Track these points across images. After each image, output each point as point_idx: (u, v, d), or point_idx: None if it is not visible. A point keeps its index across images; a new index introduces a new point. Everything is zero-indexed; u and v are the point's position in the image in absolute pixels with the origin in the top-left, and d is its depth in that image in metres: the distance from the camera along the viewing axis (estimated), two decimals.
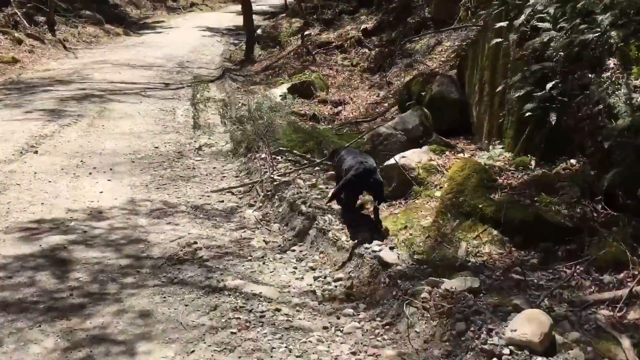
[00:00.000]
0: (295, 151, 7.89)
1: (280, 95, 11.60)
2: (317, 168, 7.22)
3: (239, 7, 40.18)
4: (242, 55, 19.54)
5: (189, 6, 37.57)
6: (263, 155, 7.71)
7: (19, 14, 22.44)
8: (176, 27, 28.90)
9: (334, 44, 16.60)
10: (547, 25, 5.60)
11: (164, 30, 27.95)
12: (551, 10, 5.60)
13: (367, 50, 15.73)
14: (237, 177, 7.60)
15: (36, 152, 8.16)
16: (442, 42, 13.21)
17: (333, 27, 17.79)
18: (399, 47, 14.74)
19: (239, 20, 31.66)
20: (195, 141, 9.36)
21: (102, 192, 6.69)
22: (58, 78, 15.54)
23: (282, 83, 12.64)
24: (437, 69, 11.13)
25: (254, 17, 33.57)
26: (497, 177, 5.60)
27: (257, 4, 42.18)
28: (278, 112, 10.36)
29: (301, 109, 11.11)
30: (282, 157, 7.80)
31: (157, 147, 8.89)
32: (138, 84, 15.13)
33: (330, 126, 10.22)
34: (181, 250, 5.35)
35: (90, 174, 7.37)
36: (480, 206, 5.07)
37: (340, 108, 11.39)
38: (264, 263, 5.20)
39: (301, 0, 18.00)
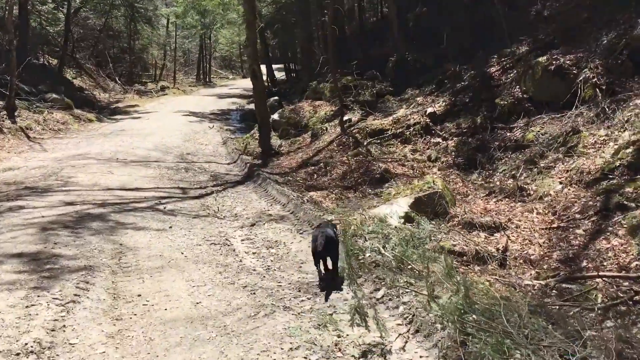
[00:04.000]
0: None
1: (400, 217, 6.84)
2: None
3: (212, 90, 35.82)
4: (255, 144, 14.77)
5: (160, 90, 32.67)
6: None
7: None
8: (154, 112, 23.87)
9: (389, 132, 12.10)
10: None
11: (141, 115, 22.88)
12: None
13: (440, 140, 11.32)
14: None
15: None
16: (583, 130, 8.91)
17: (378, 111, 13.34)
18: (491, 135, 10.49)
19: (222, 104, 27.22)
20: (340, 336, 4.35)
21: None
22: (29, 183, 10.23)
23: (397, 195, 7.85)
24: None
25: (236, 100, 29.14)
26: None
27: (229, 87, 37.89)
28: (419, 249, 5.67)
29: (454, 243, 6.33)
30: None
31: None
32: (145, 191, 10.02)
33: (536, 282, 5.49)
34: None
35: None
36: None
37: (500, 237, 6.68)
38: None
39: (337, 80, 13.52)
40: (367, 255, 5.79)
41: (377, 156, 11.23)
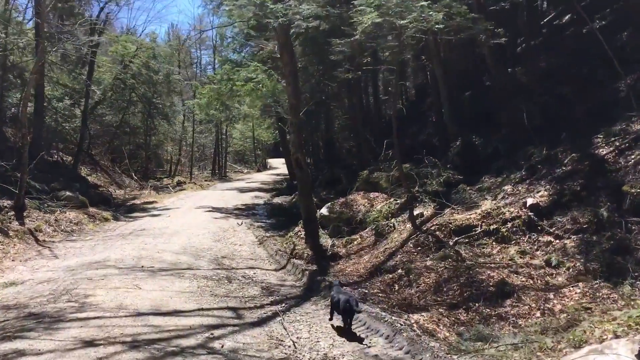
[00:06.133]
0: None
1: None
2: None
3: (230, 184, 33.59)
4: (303, 245, 12.11)
5: (176, 185, 30.44)
6: None
7: None
8: (174, 208, 21.38)
9: (478, 229, 9.52)
10: None
11: (161, 212, 20.35)
12: None
13: (552, 239, 8.69)
14: None
15: None
16: None
17: (454, 202, 10.84)
18: (628, 233, 7.92)
19: (245, 199, 24.82)
20: None
21: None
22: (34, 306, 7.52)
23: (589, 332, 5.11)
24: None
25: (258, 194, 26.82)
26: None
27: (246, 181, 35.77)
28: None
29: None
30: None
31: None
32: (187, 315, 7.28)
33: None
34: None
35: None
36: None
37: None
38: None
39: (402, 167, 11.08)
40: None
41: (474, 260, 8.59)
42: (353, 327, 6.81)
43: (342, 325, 6.75)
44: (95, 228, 16.77)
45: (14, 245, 12.80)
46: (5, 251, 12.21)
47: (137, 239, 14.21)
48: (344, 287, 8.55)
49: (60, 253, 12.55)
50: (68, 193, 18.32)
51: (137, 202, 23.65)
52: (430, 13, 8.91)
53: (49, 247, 13.25)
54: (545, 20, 19.61)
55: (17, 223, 14.42)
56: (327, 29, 14.46)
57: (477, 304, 7.25)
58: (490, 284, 7.58)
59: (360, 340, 6.34)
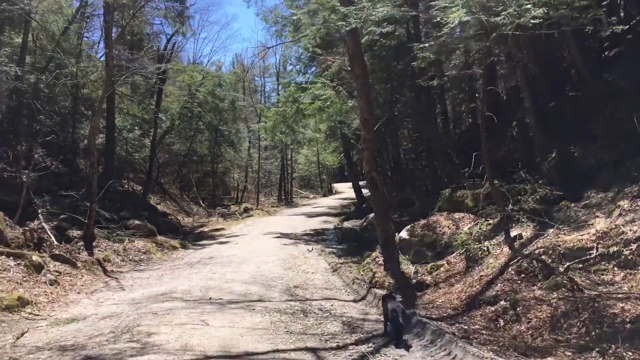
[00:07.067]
0: None
1: None
2: None
3: (297, 210, 32.77)
4: (382, 273, 10.84)
5: (243, 211, 29.90)
6: None
7: (46, 228, 14.27)
8: (242, 235, 20.62)
9: (594, 252, 7.97)
10: None
11: (229, 239, 19.61)
12: None
13: None
14: None
15: None
16: None
17: (557, 221, 9.30)
18: None
19: (313, 224, 23.77)
20: None
21: None
22: (91, 347, 6.65)
23: None
24: None
25: (327, 218, 25.77)
26: None
27: (313, 206, 34.87)
28: None
29: None
30: None
31: None
32: (262, 359, 6.21)
33: None
34: None
35: None
36: None
37: None
38: None
39: (494, 183, 9.66)
40: None
41: (595, 290, 7.08)
42: None
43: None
44: (163, 257, 16.17)
45: (82, 276, 12.26)
46: (73, 283, 11.66)
47: (205, 267, 13.40)
48: (440, 323, 7.27)
49: (126, 284, 11.87)
50: (136, 222, 17.92)
51: (205, 229, 23.12)
52: (528, 6, 7.63)
53: (116, 278, 12.64)
54: (631, 24, 17.77)
55: (86, 253, 13.98)
56: (395, 44, 13.38)
57: (613, 346, 5.77)
58: (627, 319, 6.07)
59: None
